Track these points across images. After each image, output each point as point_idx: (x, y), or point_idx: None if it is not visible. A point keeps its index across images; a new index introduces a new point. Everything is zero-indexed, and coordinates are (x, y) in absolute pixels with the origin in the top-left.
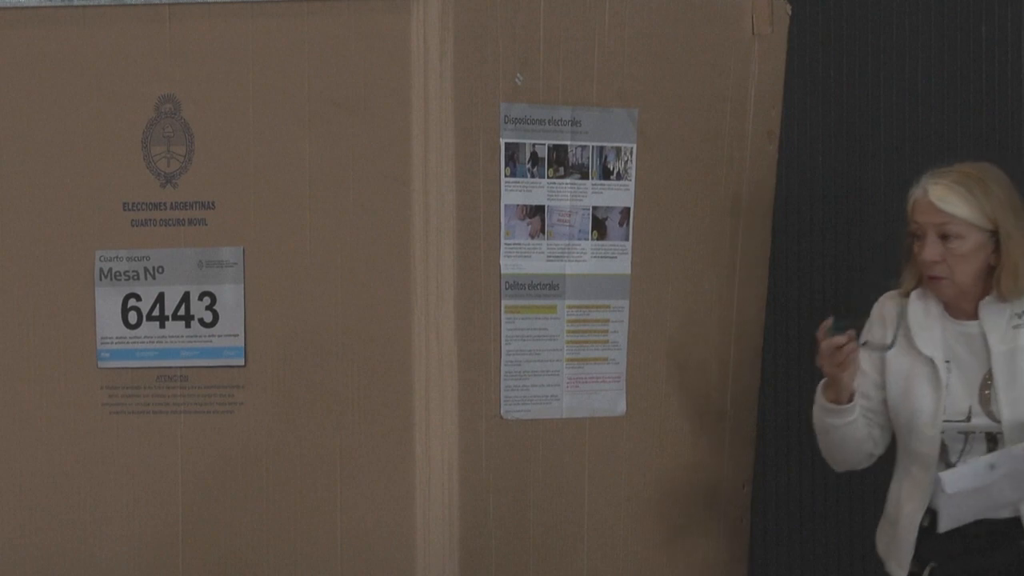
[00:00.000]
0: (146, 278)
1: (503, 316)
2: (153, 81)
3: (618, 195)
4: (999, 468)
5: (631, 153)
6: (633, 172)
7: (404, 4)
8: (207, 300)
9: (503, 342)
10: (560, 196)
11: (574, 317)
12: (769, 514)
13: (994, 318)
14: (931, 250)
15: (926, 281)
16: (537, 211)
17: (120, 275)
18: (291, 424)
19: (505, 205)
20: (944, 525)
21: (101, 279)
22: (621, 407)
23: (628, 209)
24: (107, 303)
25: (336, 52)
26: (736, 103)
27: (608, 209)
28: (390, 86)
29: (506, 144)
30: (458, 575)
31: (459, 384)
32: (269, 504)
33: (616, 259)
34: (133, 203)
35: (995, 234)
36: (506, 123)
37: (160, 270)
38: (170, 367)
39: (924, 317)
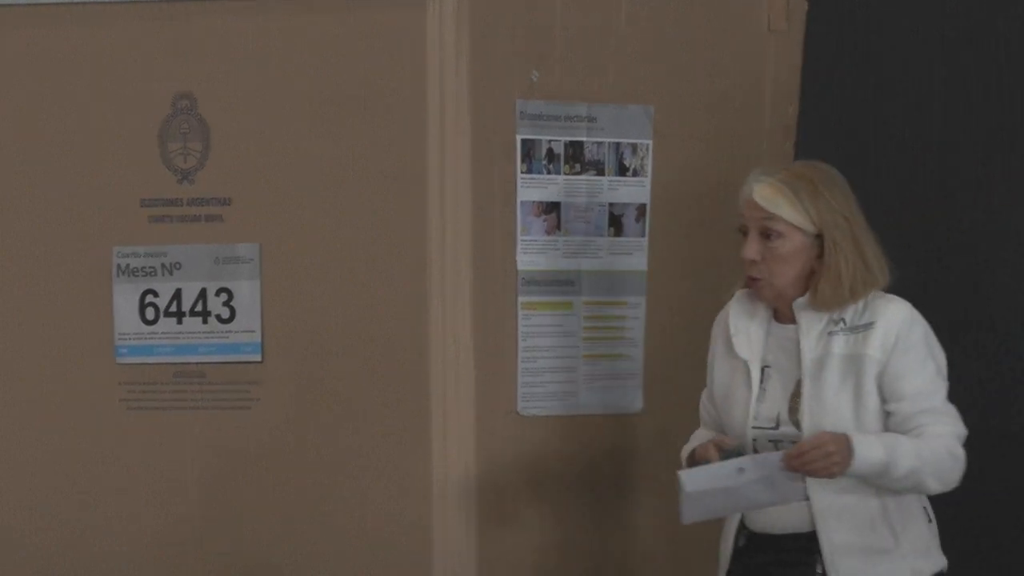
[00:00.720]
0: (163, 274)
1: (519, 313)
2: (170, 78)
3: (634, 191)
4: (749, 472)
5: (647, 150)
6: (649, 168)
7: (420, 1)
8: (224, 296)
9: (519, 338)
10: (576, 193)
11: (590, 313)
12: None
13: (810, 323)
14: (750, 248)
15: (748, 281)
16: (553, 207)
17: (138, 271)
18: (308, 421)
19: (521, 202)
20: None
21: (119, 275)
22: (638, 404)
23: (644, 205)
24: (125, 299)
25: (352, 49)
26: (752, 100)
27: (624, 206)
28: (406, 83)
29: (522, 141)
30: (475, 572)
31: (476, 381)
32: (286, 501)
33: (632, 255)
34: (150, 199)
35: (820, 238)
36: (522, 120)
37: (177, 266)
38: (187, 363)
39: (748, 320)
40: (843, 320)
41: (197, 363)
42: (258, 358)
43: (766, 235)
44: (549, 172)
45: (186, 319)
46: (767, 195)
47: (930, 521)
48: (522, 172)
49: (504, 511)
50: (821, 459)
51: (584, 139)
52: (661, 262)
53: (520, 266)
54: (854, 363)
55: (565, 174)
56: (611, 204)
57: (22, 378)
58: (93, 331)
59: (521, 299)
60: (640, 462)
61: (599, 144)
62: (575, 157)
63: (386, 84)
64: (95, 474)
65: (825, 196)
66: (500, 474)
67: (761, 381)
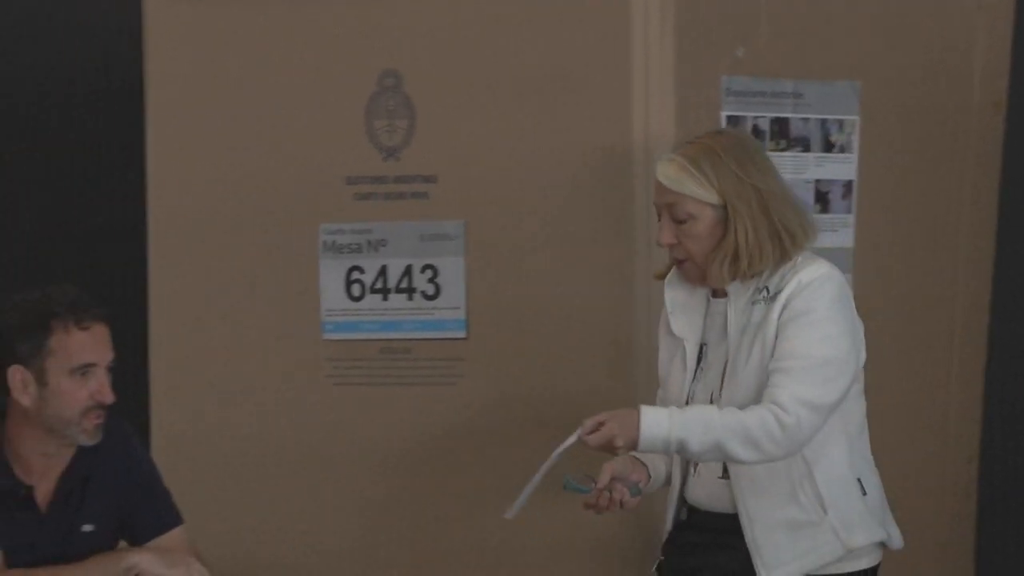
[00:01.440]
0: (369, 251)
1: None
2: (375, 56)
3: (841, 168)
4: (552, 460)
5: (854, 126)
6: (856, 145)
7: None
8: (429, 273)
9: None
10: (781, 169)
11: None
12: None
13: (737, 294)
14: (664, 233)
15: (674, 264)
16: None
17: (344, 248)
18: (512, 397)
19: None
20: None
21: (325, 252)
22: None
23: (851, 182)
24: (331, 276)
25: (557, 27)
26: (961, 74)
27: (830, 182)
28: (610, 60)
29: (727, 117)
30: None
31: None
32: (489, 476)
33: (838, 232)
34: (356, 177)
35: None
36: (727, 96)
37: (383, 243)
38: (393, 339)
39: (688, 295)
40: (767, 288)
41: (403, 340)
42: (463, 335)
43: (678, 219)
44: None
45: (392, 296)
46: (670, 174)
47: (864, 493)
48: None
49: None
50: (600, 439)
51: (790, 115)
52: (868, 239)
53: None
54: (761, 332)
55: (770, 151)
56: (817, 181)
57: (231, 355)
58: (300, 308)
59: None
60: None
61: (805, 120)
62: (781, 133)
63: (591, 61)
64: (303, 449)
65: (728, 165)
66: None
67: (700, 360)
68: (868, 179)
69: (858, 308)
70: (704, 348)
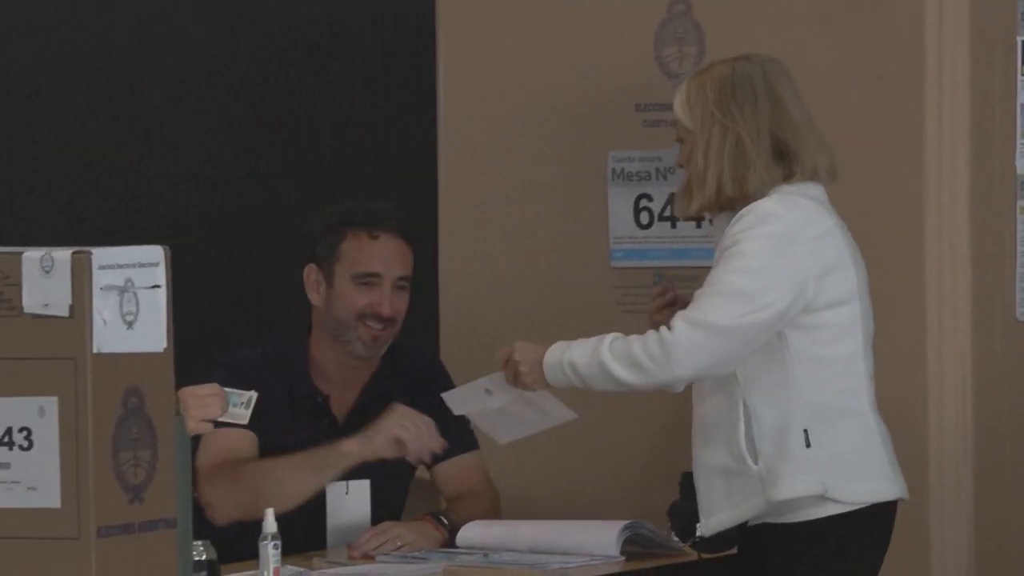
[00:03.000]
0: (658, 179)
1: (1018, 218)
2: None
3: None
4: (497, 394)
5: None
6: None
7: None
8: None
9: (1017, 243)
10: None
11: None
12: None
13: (717, 230)
14: (679, 155)
15: None
16: None
17: (632, 176)
18: None
19: (1021, 104)
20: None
21: (614, 180)
22: None
23: None
24: (619, 203)
25: None
26: None
27: None
28: None
29: (1022, 43)
30: (972, 481)
31: (972, 286)
32: None
33: None
34: (645, 104)
35: None
36: None
37: (672, 171)
38: (681, 267)
39: (715, 230)
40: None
41: (691, 267)
42: None
43: (679, 138)
44: None
45: (680, 223)
46: (676, 97)
47: (808, 445)
48: (1022, 74)
49: (1000, 419)
50: (511, 369)
51: None
52: None
53: (1020, 170)
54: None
55: None
56: None
57: (519, 282)
58: (589, 236)
59: (1020, 203)
60: None
61: None
62: None
63: None
64: None
65: (707, 97)
66: (997, 382)
67: None
68: None
69: None
70: None
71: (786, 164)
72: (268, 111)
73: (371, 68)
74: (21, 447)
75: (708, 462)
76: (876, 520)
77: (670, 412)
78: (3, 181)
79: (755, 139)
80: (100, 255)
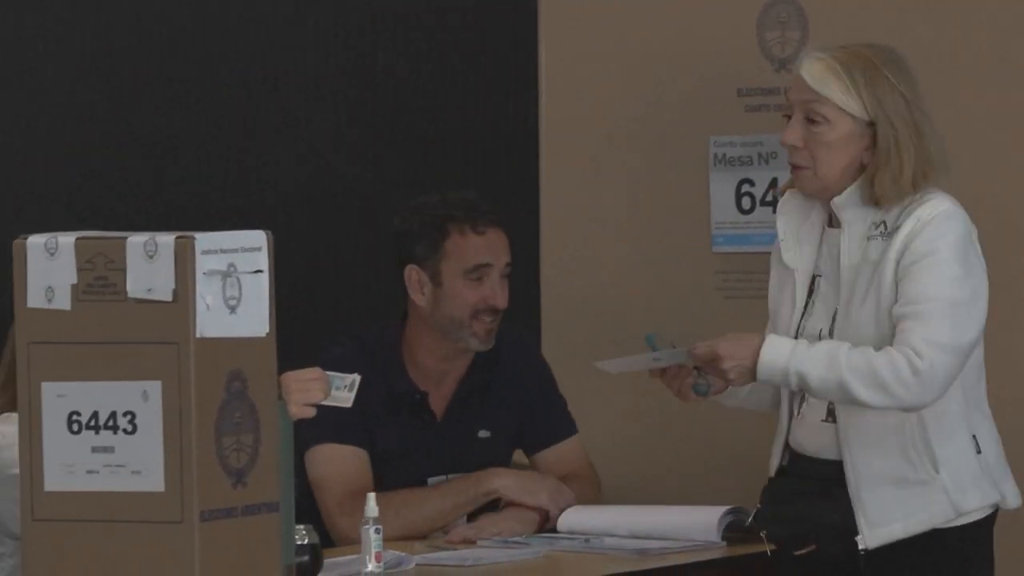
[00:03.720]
0: (760, 164)
1: None
2: None
3: None
4: (662, 360)
5: None
6: None
7: None
8: None
9: None
10: None
11: None
12: None
13: (852, 225)
14: (791, 132)
15: (792, 171)
16: None
17: (734, 161)
18: None
19: None
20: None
21: (715, 165)
22: None
23: None
24: (721, 188)
25: None
26: None
27: None
28: None
29: None
30: None
31: None
32: None
33: None
34: (747, 89)
35: (873, 128)
36: None
37: (773, 155)
38: None
39: (801, 221)
40: (884, 223)
41: None
42: None
43: (811, 119)
44: None
45: None
46: (816, 73)
47: (979, 452)
48: None
49: None
50: (705, 351)
51: None
52: None
53: None
54: (879, 270)
55: None
56: None
57: (620, 267)
58: (691, 220)
59: None
60: None
61: None
62: None
63: None
64: None
65: (887, 78)
66: None
67: (811, 293)
68: None
69: None
70: (816, 280)
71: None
72: (373, 96)
73: (473, 54)
74: (125, 431)
75: (875, 469)
76: (992, 526)
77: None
78: (108, 166)
79: (928, 133)
80: (203, 240)
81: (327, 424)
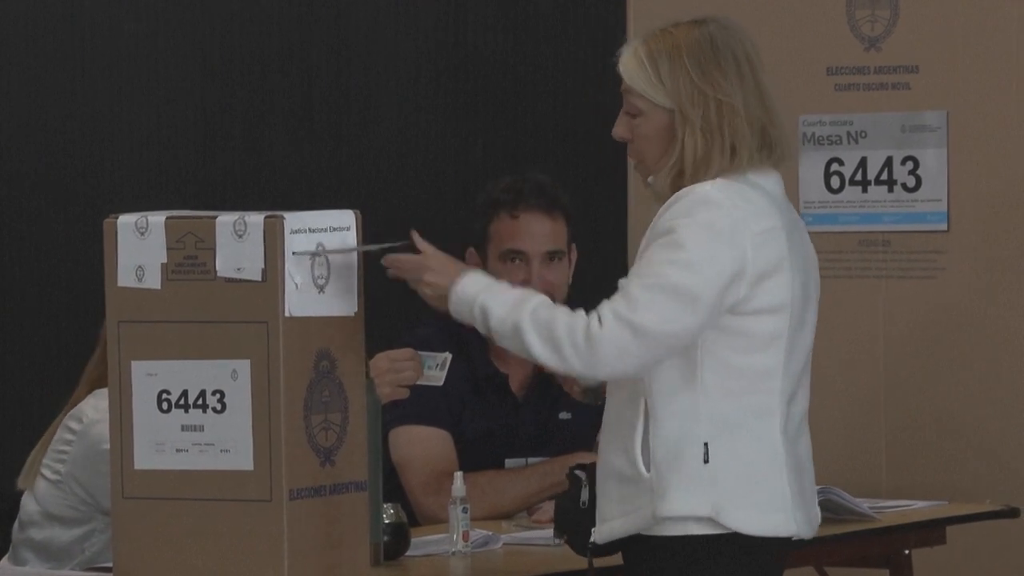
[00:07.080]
0: (849, 143)
1: None
2: None
3: None
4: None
5: None
6: None
7: None
8: (910, 165)
9: None
10: None
11: None
12: None
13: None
14: (617, 126)
15: None
16: None
17: (823, 140)
18: (992, 294)
19: None
20: None
21: (804, 144)
22: None
23: None
24: (810, 167)
25: None
26: None
27: None
28: None
29: None
30: None
31: None
32: (967, 371)
33: None
34: (836, 67)
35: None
36: None
37: (863, 135)
38: (872, 232)
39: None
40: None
41: (882, 232)
42: (944, 227)
43: (628, 112)
44: None
45: (871, 188)
46: (626, 64)
47: (707, 460)
48: None
49: None
50: (413, 269)
51: None
52: None
53: None
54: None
55: None
56: None
57: None
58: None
59: None
60: None
61: None
62: None
63: None
64: None
65: (686, 67)
66: None
67: None
68: None
69: None
70: None
71: (767, 146)
72: (460, 76)
73: (564, 39)
74: (214, 410)
75: (605, 463)
76: (766, 551)
77: (866, 375)
78: (198, 145)
79: (744, 112)
80: (292, 219)
81: (411, 405)
